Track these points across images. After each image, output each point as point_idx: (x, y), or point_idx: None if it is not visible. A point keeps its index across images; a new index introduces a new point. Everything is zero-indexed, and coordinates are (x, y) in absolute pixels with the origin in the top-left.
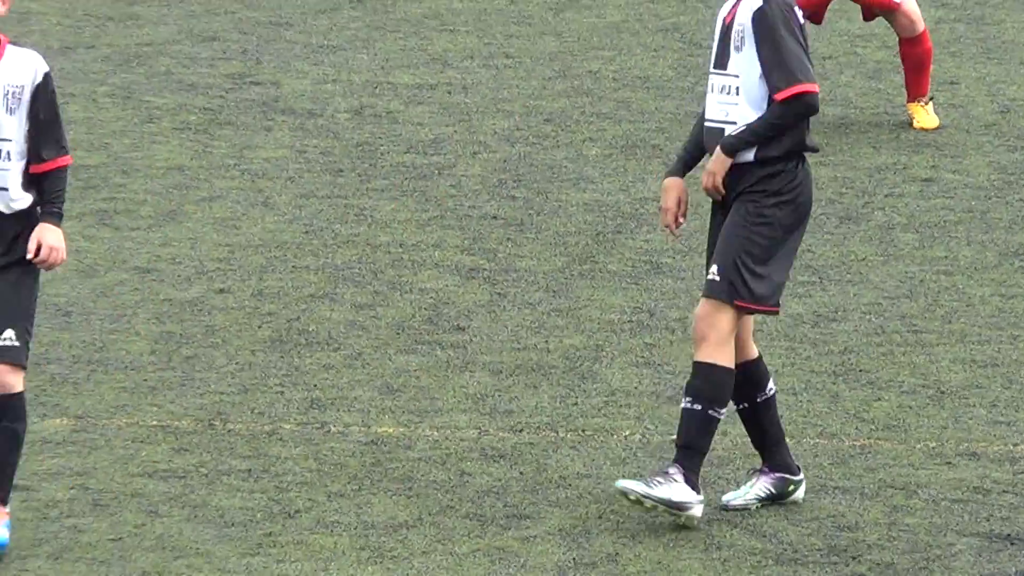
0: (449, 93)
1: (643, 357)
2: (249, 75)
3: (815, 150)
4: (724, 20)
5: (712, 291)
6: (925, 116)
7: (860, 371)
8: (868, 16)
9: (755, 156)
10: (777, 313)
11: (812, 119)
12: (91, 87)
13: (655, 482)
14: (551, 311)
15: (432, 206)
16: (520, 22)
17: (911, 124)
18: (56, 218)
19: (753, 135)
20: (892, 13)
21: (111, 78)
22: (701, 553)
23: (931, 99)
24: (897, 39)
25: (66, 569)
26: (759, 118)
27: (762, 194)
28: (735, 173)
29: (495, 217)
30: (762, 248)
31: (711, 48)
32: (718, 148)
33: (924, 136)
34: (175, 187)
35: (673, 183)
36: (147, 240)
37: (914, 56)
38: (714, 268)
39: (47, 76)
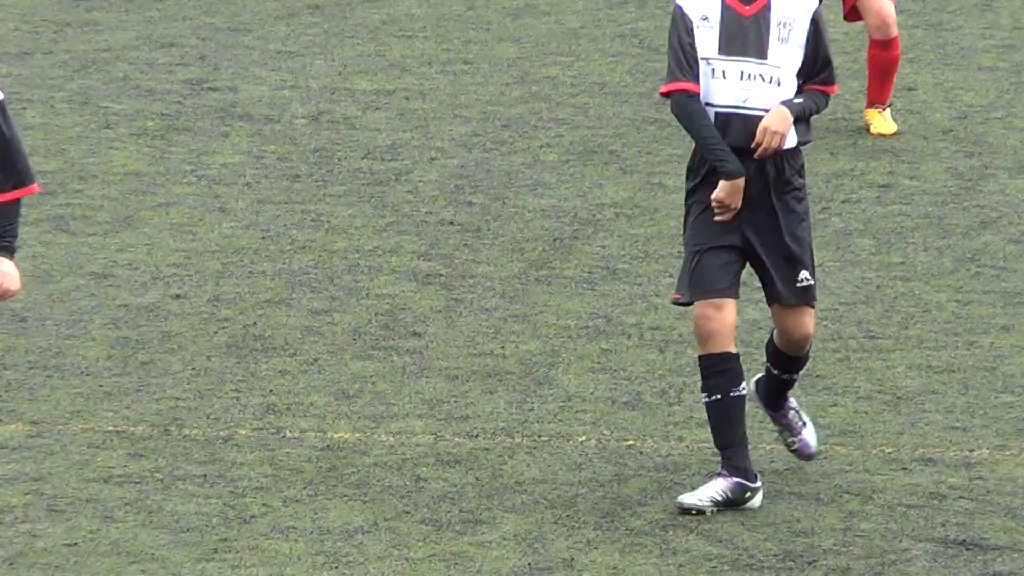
0: (407, 99)
1: (599, 363)
2: (207, 81)
3: None
4: (738, 10)
5: (810, 296)
6: (882, 122)
7: (816, 377)
8: (851, 16)
9: (797, 141)
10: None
11: None
12: (48, 93)
13: (795, 430)
14: (507, 317)
15: (389, 212)
16: (478, 28)
17: (868, 130)
18: (9, 252)
19: (808, 111)
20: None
21: (69, 84)
22: (656, 558)
23: (889, 105)
24: (868, 42)
25: (21, 574)
26: (809, 98)
27: (801, 189)
28: (774, 160)
29: (452, 223)
30: (810, 242)
31: (710, 35)
32: (781, 106)
33: (881, 142)
34: (132, 193)
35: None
36: (104, 246)
37: (882, 60)
38: (804, 273)
39: (1, 104)
